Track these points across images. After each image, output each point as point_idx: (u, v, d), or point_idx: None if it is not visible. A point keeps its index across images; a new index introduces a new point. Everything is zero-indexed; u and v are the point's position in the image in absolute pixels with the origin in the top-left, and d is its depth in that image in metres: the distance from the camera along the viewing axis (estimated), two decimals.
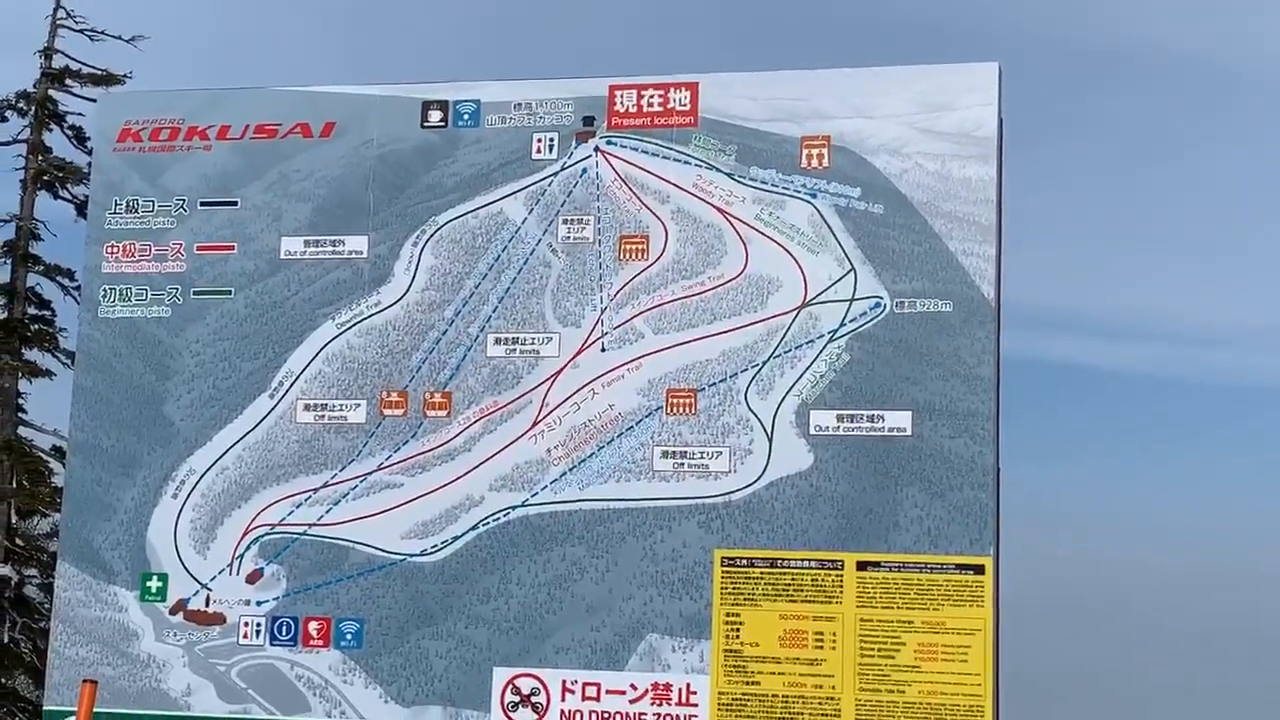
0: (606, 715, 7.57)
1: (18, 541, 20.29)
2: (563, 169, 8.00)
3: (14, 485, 20.22)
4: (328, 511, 7.95)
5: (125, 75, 20.88)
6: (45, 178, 20.54)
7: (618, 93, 8.01)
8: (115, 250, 8.38)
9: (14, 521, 20.45)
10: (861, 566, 7.44)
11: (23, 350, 20.57)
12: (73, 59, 21.07)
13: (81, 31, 21.12)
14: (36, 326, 20.60)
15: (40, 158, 20.52)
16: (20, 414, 20.65)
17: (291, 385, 8.08)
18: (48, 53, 21.04)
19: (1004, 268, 7.70)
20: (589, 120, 8.01)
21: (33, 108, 20.84)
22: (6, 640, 19.77)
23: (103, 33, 21.08)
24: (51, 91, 20.81)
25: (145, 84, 20.51)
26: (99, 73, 20.96)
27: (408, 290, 8.04)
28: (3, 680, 19.98)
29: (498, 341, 7.92)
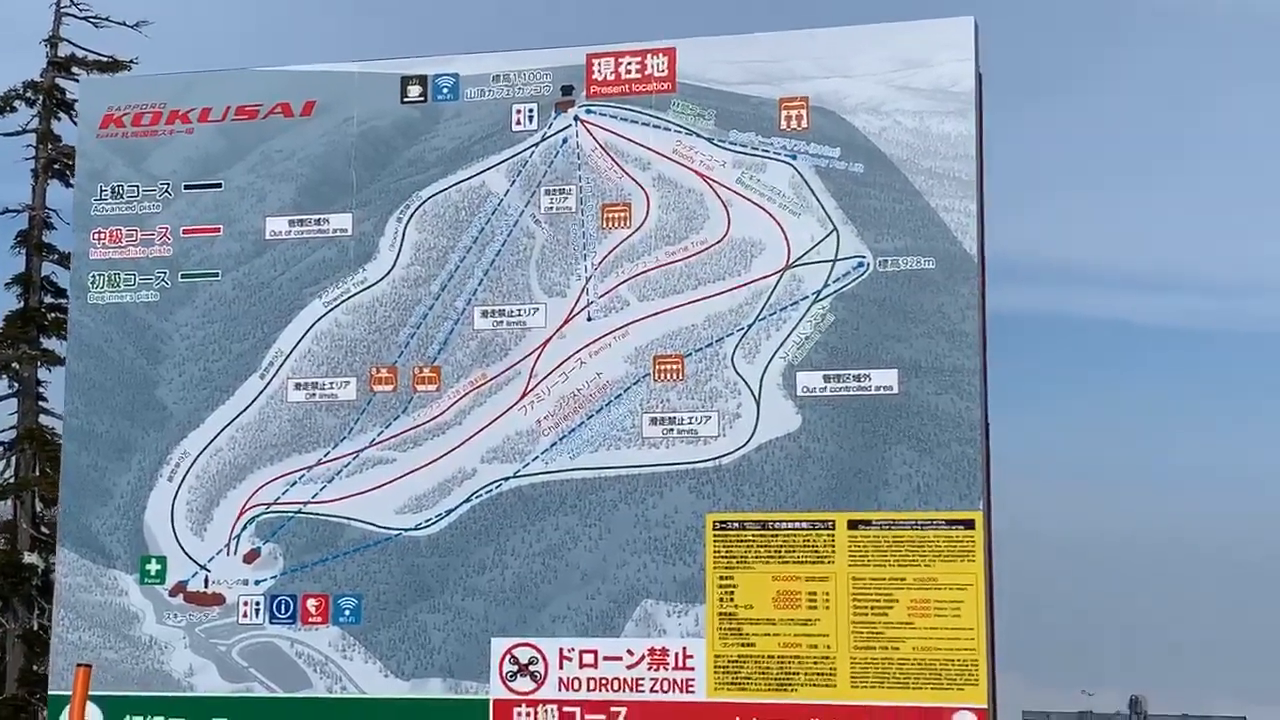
0: (604, 681, 7.60)
1: (43, 530, 20.40)
2: (543, 139, 8.00)
3: (37, 473, 20.31)
4: (322, 489, 8.00)
5: (131, 61, 20.89)
6: (55, 166, 20.56)
7: (595, 61, 8.01)
8: (102, 236, 8.42)
9: (39, 510, 20.56)
10: (852, 526, 7.46)
11: (40, 339, 20.63)
12: (78, 46, 21.09)
13: (86, 19, 21.13)
14: (53, 315, 20.63)
15: (50, 146, 20.53)
16: (41, 402, 20.72)
17: (281, 365, 8.12)
18: (53, 41, 21.06)
19: (988, 222, 7.72)
20: (568, 90, 8.01)
21: (40, 97, 20.86)
22: (36, 628, 19.90)
23: (107, 19, 21.10)
24: (58, 80, 20.81)
25: (152, 69, 20.52)
26: (104, 59, 20.97)
27: (393, 266, 8.07)
28: (34, 667, 20.11)
29: (484, 314, 7.94)
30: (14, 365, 20.52)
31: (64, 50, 21.09)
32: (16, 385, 20.70)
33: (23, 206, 20.83)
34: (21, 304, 20.75)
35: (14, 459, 20.60)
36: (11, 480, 20.50)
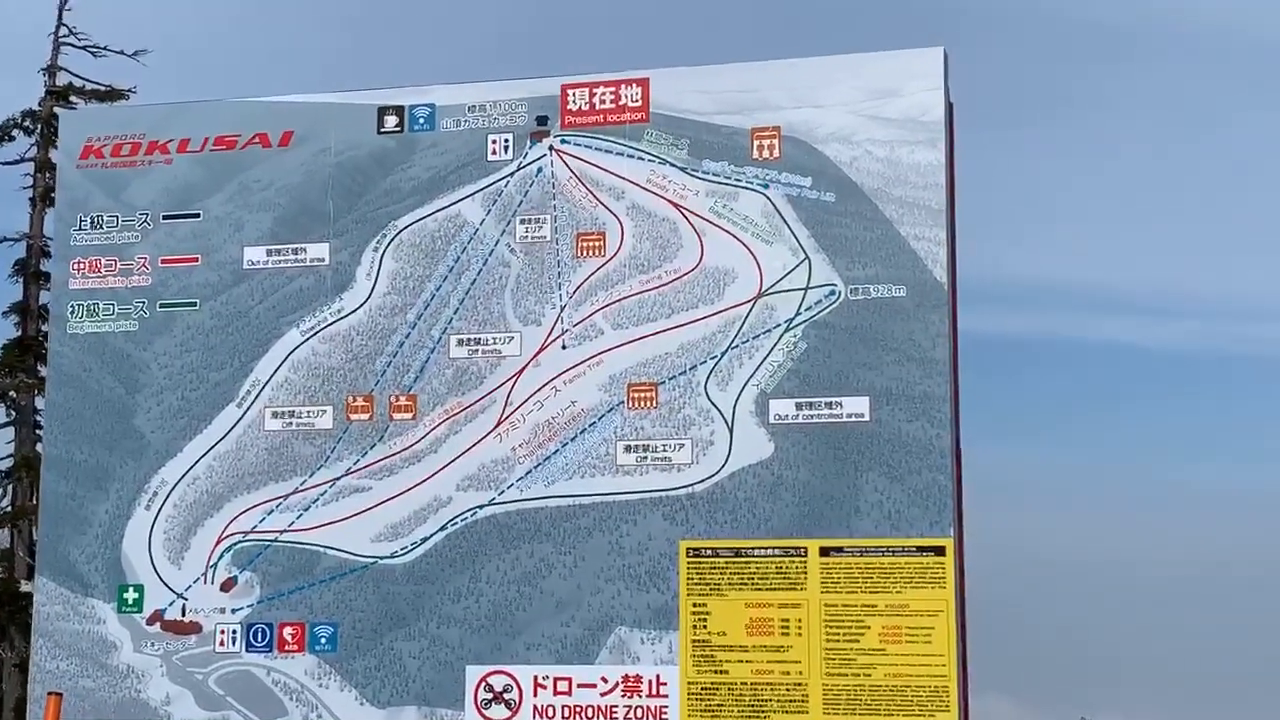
0: (578, 709, 7.63)
1: None
2: (518, 169, 8.06)
3: (34, 502, 20.35)
4: (298, 517, 8.03)
5: (129, 90, 21.01)
6: (53, 195, 20.61)
7: (570, 91, 8.07)
8: (81, 266, 8.48)
9: (36, 538, 20.58)
10: (824, 552, 7.49)
11: (38, 367, 20.70)
12: (76, 75, 21.22)
13: (84, 48, 21.28)
14: None
15: (47, 175, 20.62)
16: (38, 431, 20.77)
17: (259, 394, 8.16)
18: (51, 70, 21.20)
19: (962, 250, 7.78)
20: (543, 120, 8.07)
21: (39, 126, 20.99)
22: None
23: (105, 49, 21.24)
24: (56, 109, 20.90)
25: (150, 98, 20.62)
26: (102, 88, 21.11)
27: (370, 295, 8.12)
28: None
29: (460, 343, 7.99)
30: (11, 394, 20.61)
31: (62, 79, 21.22)
32: (14, 414, 20.81)
33: (20, 235, 20.98)
34: (19, 332, 20.86)
35: (11, 487, 20.70)
36: (8, 509, 20.58)
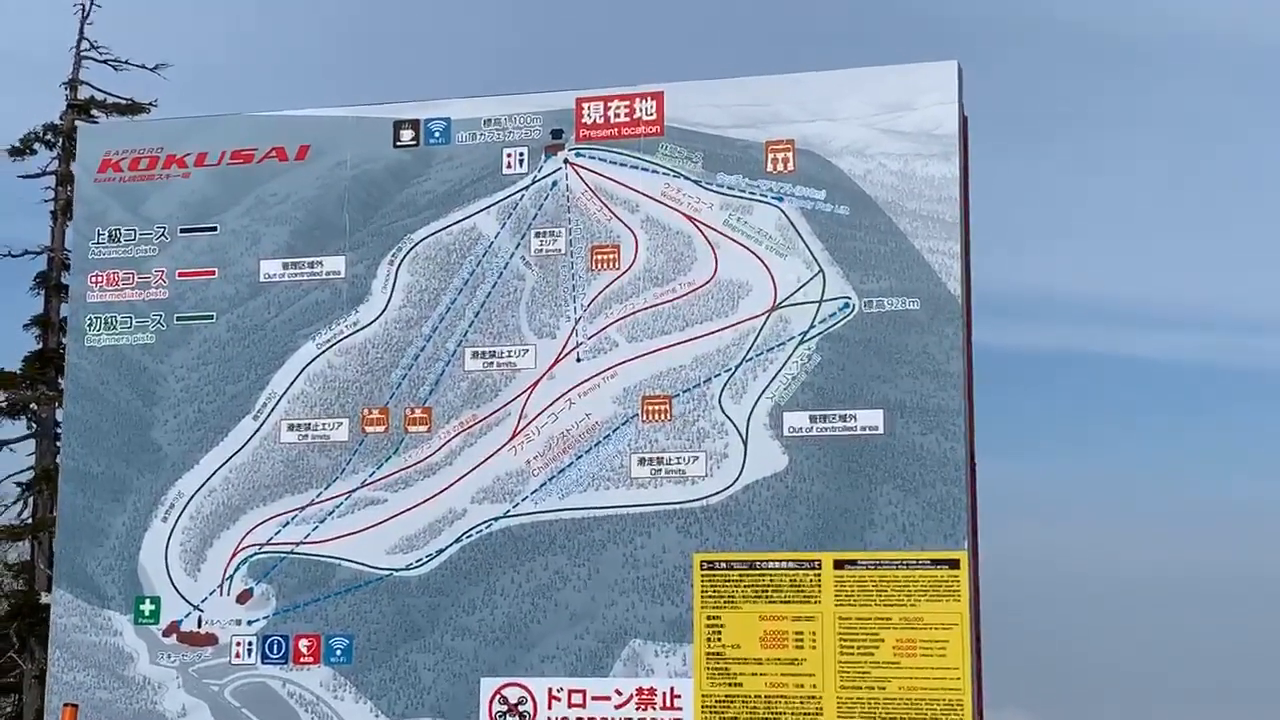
0: None
1: None
2: (533, 183, 8.08)
3: (54, 514, 20.39)
4: (314, 529, 8.06)
5: (150, 104, 21.10)
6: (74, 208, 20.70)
7: (585, 105, 8.10)
8: (99, 279, 8.52)
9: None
10: (838, 565, 7.49)
11: (58, 380, 20.76)
12: (98, 89, 21.30)
13: (105, 62, 21.35)
14: None
15: (68, 188, 20.68)
16: (58, 443, 20.81)
17: (275, 406, 8.19)
18: (73, 84, 21.27)
19: (977, 264, 7.80)
20: (558, 133, 8.10)
21: (60, 139, 21.06)
22: None
23: (126, 62, 21.31)
24: (78, 122, 20.97)
25: (171, 112, 20.73)
26: (124, 102, 21.18)
27: (385, 308, 8.14)
28: None
29: (475, 355, 8.01)
30: (32, 406, 20.67)
31: (84, 93, 21.29)
32: (34, 426, 20.86)
33: (42, 248, 21.03)
34: (40, 345, 20.92)
35: (31, 499, 20.75)
36: (29, 521, 20.65)
